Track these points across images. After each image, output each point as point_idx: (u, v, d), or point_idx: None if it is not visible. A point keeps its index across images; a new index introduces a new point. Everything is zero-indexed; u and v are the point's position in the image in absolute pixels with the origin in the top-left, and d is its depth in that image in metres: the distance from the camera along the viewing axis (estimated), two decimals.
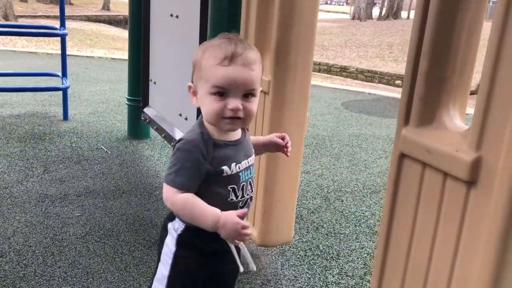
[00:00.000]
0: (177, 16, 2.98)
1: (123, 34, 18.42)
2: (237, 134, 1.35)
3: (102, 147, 3.80)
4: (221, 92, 1.23)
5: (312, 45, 1.99)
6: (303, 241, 2.55)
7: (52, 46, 10.85)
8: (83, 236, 2.43)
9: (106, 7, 30.53)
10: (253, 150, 1.41)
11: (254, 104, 1.28)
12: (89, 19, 23.65)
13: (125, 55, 10.28)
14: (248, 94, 1.26)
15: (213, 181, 1.28)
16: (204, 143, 1.26)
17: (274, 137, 1.52)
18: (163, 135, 3.29)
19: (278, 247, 2.45)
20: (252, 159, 1.38)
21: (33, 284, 2.01)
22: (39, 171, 3.23)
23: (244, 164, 1.34)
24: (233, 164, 1.30)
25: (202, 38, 2.55)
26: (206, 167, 1.25)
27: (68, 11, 23.95)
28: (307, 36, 1.94)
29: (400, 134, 1.29)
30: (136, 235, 2.48)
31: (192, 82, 1.33)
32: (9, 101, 5.06)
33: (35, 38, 11.51)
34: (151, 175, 3.33)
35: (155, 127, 3.47)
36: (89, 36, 14.54)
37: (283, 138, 1.50)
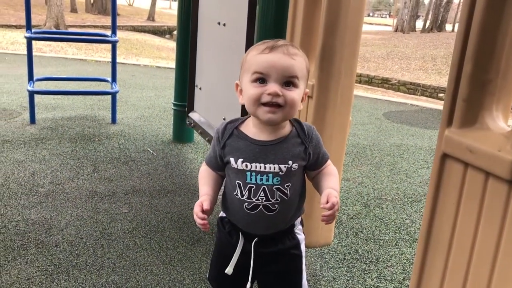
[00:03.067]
0: (224, 24, 3.10)
1: (167, 44, 18.94)
2: (276, 135, 1.32)
3: (148, 149, 3.95)
4: (262, 78, 1.26)
5: (357, 51, 2.04)
6: (342, 245, 2.57)
7: (100, 54, 11.29)
8: (130, 231, 2.55)
9: (151, 18, 31.43)
10: (302, 152, 1.33)
11: (296, 93, 1.26)
12: (134, 29, 24.43)
13: (169, 64, 10.61)
14: (289, 83, 1.26)
15: (227, 168, 1.37)
16: (223, 129, 1.38)
17: (324, 194, 1.35)
18: (206, 139, 3.40)
19: (317, 249, 2.49)
20: (276, 167, 1.30)
21: (84, 273, 2.13)
22: (89, 170, 3.40)
23: (258, 166, 1.30)
24: (239, 160, 1.31)
25: (249, 45, 2.65)
26: (219, 151, 1.37)
27: None
28: (351, 42, 2.00)
29: (443, 135, 1.32)
30: (180, 232, 2.57)
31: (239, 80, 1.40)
32: (60, 104, 5.32)
33: (84, 46, 12.02)
34: (194, 176, 3.44)
35: (199, 131, 3.59)
36: (135, 46, 15.03)
37: (327, 203, 1.30)
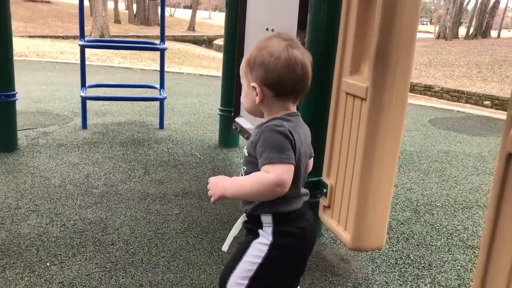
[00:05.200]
0: (272, 30, 3.14)
1: (208, 53, 19.24)
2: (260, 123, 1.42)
3: (196, 153, 4.03)
4: None
5: (412, 51, 2.03)
6: (393, 250, 2.54)
7: (144, 63, 11.59)
8: (182, 231, 2.60)
9: (191, 28, 32.03)
10: (250, 144, 1.39)
11: (242, 92, 1.42)
12: (175, 39, 24.94)
13: (211, 72, 10.77)
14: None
15: None
16: None
17: None
18: None
19: (368, 253, 2.48)
20: (245, 148, 1.43)
21: (141, 270, 2.20)
22: (140, 172, 3.50)
23: (244, 149, 1.45)
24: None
25: None
26: None
27: (155, 31, 25.41)
28: (407, 42, 1.99)
29: (509, 134, 1.30)
30: (228, 233, 2.60)
31: None
32: (110, 110, 5.50)
33: (129, 55, 12.38)
34: None
35: (245, 136, 3.63)
36: (177, 55, 15.33)
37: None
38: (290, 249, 1.39)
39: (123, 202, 2.96)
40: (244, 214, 1.50)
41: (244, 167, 1.42)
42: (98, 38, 12.64)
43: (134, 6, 32.14)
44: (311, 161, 1.54)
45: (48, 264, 2.19)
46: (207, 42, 27.94)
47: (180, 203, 2.99)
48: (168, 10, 43.83)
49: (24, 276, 2.08)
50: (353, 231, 2.19)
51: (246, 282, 1.39)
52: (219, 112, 4.30)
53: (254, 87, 1.36)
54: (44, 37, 18.93)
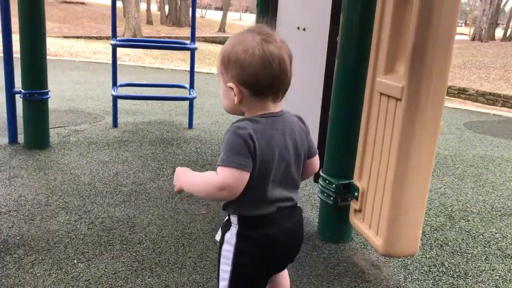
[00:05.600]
0: (304, 29, 3.08)
1: None
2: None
3: None
4: None
5: (450, 51, 1.94)
6: (426, 257, 2.45)
7: (175, 63, 11.69)
8: (210, 232, 2.57)
9: (222, 29, 32.22)
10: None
11: (221, 93, 1.35)
12: (206, 40, 25.10)
13: None
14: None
15: None
16: None
17: None
18: None
19: (400, 260, 2.39)
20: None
21: (167, 270, 2.18)
22: (168, 171, 3.49)
23: None
24: None
25: (331, 49, 2.61)
26: None
27: (186, 32, 25.64)
28: (445, 42, 1.90)
29: None
30: None
31: None
32: (140, 110, 5.55)
33: (161, 56, 12.51)
34: None
35: None
36: (207, 55, 15.40)
37: None
38: (252, 256, 1.33)
39: (151, 200, 2.95)
40: None
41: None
42: (129, 38, 12.80)
43: (166, 7, 32.53)
44: (314, 160, 1.45)
45: (75, 261, 2.19)
46: None
47: (207, 203, 2.97)
48: (199, 12, 44.22)
49: (51, 272, 2.08)
50: (385, 236, 2.12)
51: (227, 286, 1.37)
52: None
53: (231, 87, 1.27)
54: (78, 37, 19.35)
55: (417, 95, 1.95)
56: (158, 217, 2.72)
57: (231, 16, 46.19)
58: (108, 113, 5.25)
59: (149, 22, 29.63)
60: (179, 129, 4.77)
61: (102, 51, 13.03)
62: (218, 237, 1.46)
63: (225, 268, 1.35)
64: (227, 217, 1.38)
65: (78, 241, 2.38)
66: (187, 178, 1.34)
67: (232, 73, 1.26)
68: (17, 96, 3.81)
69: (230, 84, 1.27)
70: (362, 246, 2.55)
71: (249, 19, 55.79)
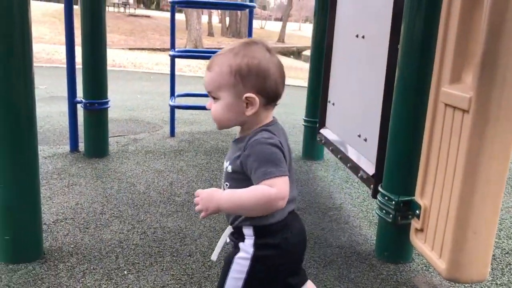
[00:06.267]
0: (363, 37, 2.95)
1: (296, 64, 19.24)
2: (240, 135, 1.39)
3: None
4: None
5: None
6: (497, 284, 2.23)
7: None
8: None
9: (281, 39, 32.35)
10: (236, 160, 1.32)
11: (216, 106, 1.34)
12: None
13: (297, 82, 10.68)
14: (212, 97, 1.35)
15: None
16: None
17: None
18: (338, 157, 3.26)
19: (466, 286, 2.19)
20: (228, 164, 1.37)
21: (216, 285, 2.11)
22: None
23: (224, 164, 1.40)
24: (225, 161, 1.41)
25: (391, 57, 2.47)
26: None
27: None
28: None
29: None
30: (312, 252, 2.45)
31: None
32: (197, 119, 5.59)
33: None
34: (324, 195, 3.30)
35: (330, 148, 3.46)
36: None
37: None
38: (272, 261, 1.36)
39: None
40: (230, 226, 1.46)
41: (227, 183, 1.39)
42: (188, 49, 13.06)
43: (227, 19, 33.11)
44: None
45: (125, 272, 2.18)
46: (296, 53, 28.01)
47: None
48: (259, 23, 44.68)
49: (101, 283, 2.08)
50: (449, 260, 1.94)
51: None
52: (303, 123, 4.16)
53: (248, 98, 1.29)
54: (142, 49, 20.06)
55: (487, 106, 1.78)
56: (209, 229, 2.68)
57: (291, 26, 46.29)
58: (167, 122, 5.33)
59: (210, 34, 30.28)
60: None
61: (164, 62, 13.41)
62: (214, 257, 1.48)
63: (237, 276, 1.36)
64: (233, 231, 1.41)
65: (130, 251, 2.38)
66: (228, 197, 1.29)
67: (252, 83, 1.29)
68: (78, 105, 3.93)
69: (249, 95, 1.29)
70: (424, 267, 2.37)
71: (308, 29, 55.59)
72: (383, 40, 2.57)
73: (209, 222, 2.76)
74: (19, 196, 2.17)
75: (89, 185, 3.27)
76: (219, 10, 36.96)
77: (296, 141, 4.71)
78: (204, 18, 29.16)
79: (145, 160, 3.92)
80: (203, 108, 5.25)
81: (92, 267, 2.20)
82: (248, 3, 4.58)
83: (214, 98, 1.35)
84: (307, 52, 27.62)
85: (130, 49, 19.36)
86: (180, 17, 34.01)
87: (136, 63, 12.60)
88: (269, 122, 1.35)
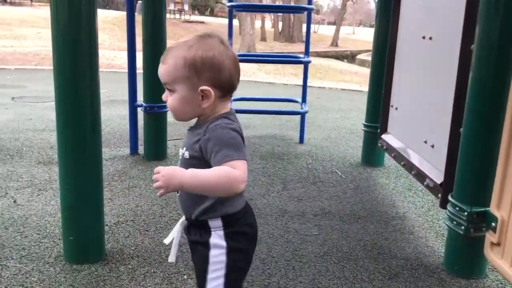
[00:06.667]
0: (430, 38, 2.82)
1: (350, 68, 18.92)
2: (197, 122, 1.37)
3: (337, 171, 3.82)
4: None
5: None
6: None
7: (287, 78, 11.74)
8: (322, 256, 2.41)
9: (335, 43, 31.99)
10: (194, 144, 1.31)
11: (172, 99, 1.33)
12: (318, 54, 25.03)
13: (352, 86, 10.48)
14: (168, 89, 1.34)
15: None
16: None
17: None
18: (402, 163, 3.12)
19: None
20: (184, 150, 1.35)
21: None
22: (278, 187, 3.40)
23: (180, 151, 1.38)
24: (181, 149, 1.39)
25: (463, 60, 2.33)
26: None
27: (298, 48, 25.83)
28: None
29: None
30: (375, 263, 2.34)
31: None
32: (253, 123, 5.57)
33: (273, 71, 12.67)
34: (386, 203, 3.17)
35: (392, 155, 3.33)
36: (318, 70, 15.29)
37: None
38: (245, 249, 1.39)
39: (261, 217, 2.87)
40: (184, 219, 1.43)
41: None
42: (244, 53, 13.14)
43: (280, 24, 33.16)
44: None
45: (185, 277, 2.16)
46: (350, 57, 27.60)
47: (319, 223, 2.81)
48: (312, 27, 44.38)
49: (162, 287, 2.07)
50: None
51: None
52: (363, 128, 4.03)
53: (203, 90, 1.29)
54: None
55: None
56: (268, 235, 2.62)
57: (344, 30, 45.70)
58: None
59: (263, 39, 30.39)
60: (290, 143, 4.68)
61: None
62: (173, 258, 1.47)
63: (217, 274, 1.35)
64: (192, 227, 1.39)
65: (189, 255, 2.35)
66: (191, 176, 1.23)
67: (207, 76, 1.29)
68: (138, 109, 4.00)
69: (204, 88, 1.29)
70: (500, 284, 2.20)
71: (363, 33, 54.81)
72: (453, 41, 2.43)
73: (268, 228, 2.71)
74: (83, 197, 2.20)
75: (149, 187, 3.31)
76: (272, 15, 37.09)
77: (354, 147, 4.58)
78: (257, 23, 29.31)
79: None
80: (260, 112, 5.25)
81: (152, 270, 2.20)
82: (306, 5, 4.51)
83: (170, 90, 1.34)
84: (362, 56, 27.17)
85: None
86: (234, 22, 34.23)
87: None
88: (227, 112, 1.35)
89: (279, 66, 13.34)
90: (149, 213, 2.87)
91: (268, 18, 39.75)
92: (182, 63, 1.29)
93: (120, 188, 3.26)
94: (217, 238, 1.34)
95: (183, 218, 1.44)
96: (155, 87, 3.87)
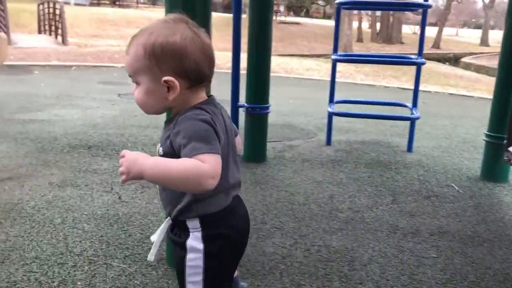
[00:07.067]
0: None
1: (454, 71, 17.78)
2: (172, 114, 1.27)
3: (453, 184, 3.45)
4: None
5: None
6: None
7: (387, 80, 11.22)
8: (444, 283, 2.12)
9: (436, 45, 30.37)
10: (166, 140, 1.20)
11: (137, 92, 1.24)
12: None
13: (459, 91, 9.74)
14: (134, 81, 1.25)
15: None
16: None
17: None
18: None
19: None
20: (159, 146, 1.23)
21: None
22: (387, 200, 3.12)
23: (157, 147, 1.25)
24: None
25: None
26: None
27: (396, 49, 24.81)
28: None
29: None
30: None
31: None
32: (353, 127, 5.30)
33: (372, 72, 12.20)
34: None
35: None
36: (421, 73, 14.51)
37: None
38: (225, 253, 1.29)
39: (370, 232, 2.62)
40: (169, 218, 1.32)
41: None
42: (350, 53, 12.80)
43: (378, 24, 32.13)
44: (238, 139, 1.41)
45: None
46: (452, 60, 25.99)
47: (437, 244, 2.51)
48: (411, 28, 42.55)
49: None
50: None
51: None
52: (485, 138, 3.61)
53: (167, 81, 1.18)
54: (291, 55, 20.33)
55: None
56: (380, 254, 2.38)
57: (447, 31, 43.22)
58: (321, 129, 5.14)
59: (359, 39, 29.65)
60: (397, 151, 4.35)
61: (314, 68, 13.33)
62: (152, 257, 1.36)
63: (195, 279, 1.27)
64: (173, 227, 1.31)
65: (294, 269, 2.19)
66: (154, 164, 1.13)
67: (169, 66, 1.18)
68: (240, 110, 3.93)
69: (168, 78, 1.18)
70: None
71: (467, 34, 51.58)
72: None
73: (379, 246, 2.46)
74: None
75: (249, 190, 3.19)
76: (369, 16, 36.06)
77: (469, 158, 4.15)
78: (354, 24, 28.60)
79: (302, 168, 3.75)
80: (365, 116, 4.96)
81: (256, 283, 2.05)
82: (422, 2, 4.15)
83: (135, 83, 1.24)
84: (467, 59, 25.49)
85: (279, 55, 19.73)
86: (327, 23, 33.99)
87: (287, 69, 12.71)
88: (202, 101, 1.24)
89: (378, 67, 12.81)
90: (250, 218, 2.73)
91: (366, 18, 38.71)
92: (142, 52, 1.18)
93: None
94: (194, 241, 1.26)
95: (168, 218, 1.34)
96: (258, 88, 3.77)
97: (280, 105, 6.70)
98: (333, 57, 4.30)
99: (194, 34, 1.20)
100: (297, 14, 48.85)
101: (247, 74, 3.75)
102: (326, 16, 50.53)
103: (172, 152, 1.18)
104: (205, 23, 2.00)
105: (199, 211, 1.24)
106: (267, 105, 3.80)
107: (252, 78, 3.72)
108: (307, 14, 50.49)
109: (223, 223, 1.27)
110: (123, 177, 1.15)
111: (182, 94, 1.20)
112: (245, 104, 3.79)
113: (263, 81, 3.75)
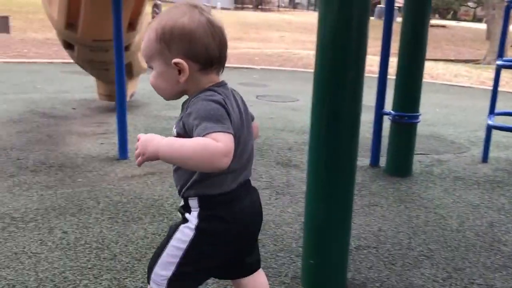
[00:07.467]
0: None
1: None
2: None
3: None
4: None
5: None
6: None
7: None
8: None
9: None
10: (179, 121, 1.20)
11: (152, 77, 1.26)
12: None
13: None
14: (150, 67, 1.27)
15: None
16: None
17: None
18: None
19: None
20: (174, 128, 1.23)
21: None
22: None
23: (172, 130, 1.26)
24: None
25: None
26: None
27: None
28: None
29: None
30: None
31: None
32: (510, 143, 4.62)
33: None
34: None
35: None
36: None
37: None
38: (218, 235, 1.26)
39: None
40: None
41: None
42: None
43: None
44: (255, 124, 1.40)
45: None
46: None
47: None
48: None
49: None
50: None
51: (172, 268, 1.26)
52: None
53: (176, 64, 1.19)
54: (436, 60, 18.99)
55: None
56: None
57: None
58: (474, 143, 4.57)
59: None
60: None
61: (463, 74, 12.21)
62: None
63: (178, 245, 1.25)
64: (182, 203, 1.30)
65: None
66: (168, 144, 1.14)
67: (178, 48, 1.19)
68: (384, 117, 3.61)
69: (177, 60, 1.19)
70: None
71: None
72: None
73: None
74: (331, 213, 1.89)
75: (392, 208, 2.88)
76: None
77: None
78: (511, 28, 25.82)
79: (454, 188, 3.31)
80: None
81: None
82: None
83: (151, 68, 1.26)
84: None
85: None
86: (477, 26, 31.13)
87: (432, 74, 11.80)
88: (214, 84, 1.24)
89: None
90: (394, 241, 2.45)
91: None
92: (153, 36, 1.21)
93: (360, 205, 2.91)
94: (192, 216, 1.26)
95: None
96: (407, 95, 3.43)
97: (425, 113, 6.12)
98: (498, 62, 3.75)
99: (203, 17, 1.21)
100: (442, 16, 45.84)
101: (396, 79, 3.43)
102: (476, 19, 46.56)
103: (184, 133, 1.19)
104: (363, 30, 1.77)
105: (199, 191, 1.25)
106: (417, 113, 3.43)
107: (402, 84, 3.40)
108: (455, 17, 47.07)
109: (222, 208, 1.26)
110: (139, 158, 1.17)
111: (194, 77, 1.22)
112: (392, 112, 3.46)
113: (414, 88, 3.40)
